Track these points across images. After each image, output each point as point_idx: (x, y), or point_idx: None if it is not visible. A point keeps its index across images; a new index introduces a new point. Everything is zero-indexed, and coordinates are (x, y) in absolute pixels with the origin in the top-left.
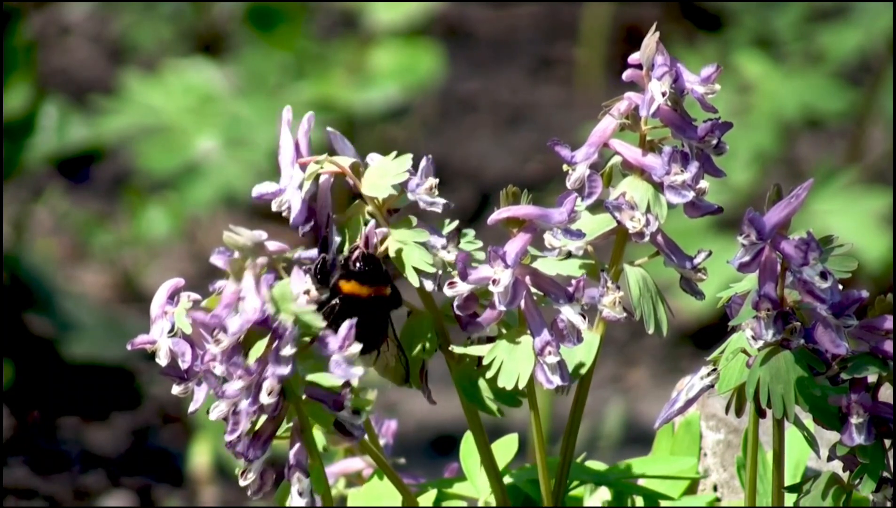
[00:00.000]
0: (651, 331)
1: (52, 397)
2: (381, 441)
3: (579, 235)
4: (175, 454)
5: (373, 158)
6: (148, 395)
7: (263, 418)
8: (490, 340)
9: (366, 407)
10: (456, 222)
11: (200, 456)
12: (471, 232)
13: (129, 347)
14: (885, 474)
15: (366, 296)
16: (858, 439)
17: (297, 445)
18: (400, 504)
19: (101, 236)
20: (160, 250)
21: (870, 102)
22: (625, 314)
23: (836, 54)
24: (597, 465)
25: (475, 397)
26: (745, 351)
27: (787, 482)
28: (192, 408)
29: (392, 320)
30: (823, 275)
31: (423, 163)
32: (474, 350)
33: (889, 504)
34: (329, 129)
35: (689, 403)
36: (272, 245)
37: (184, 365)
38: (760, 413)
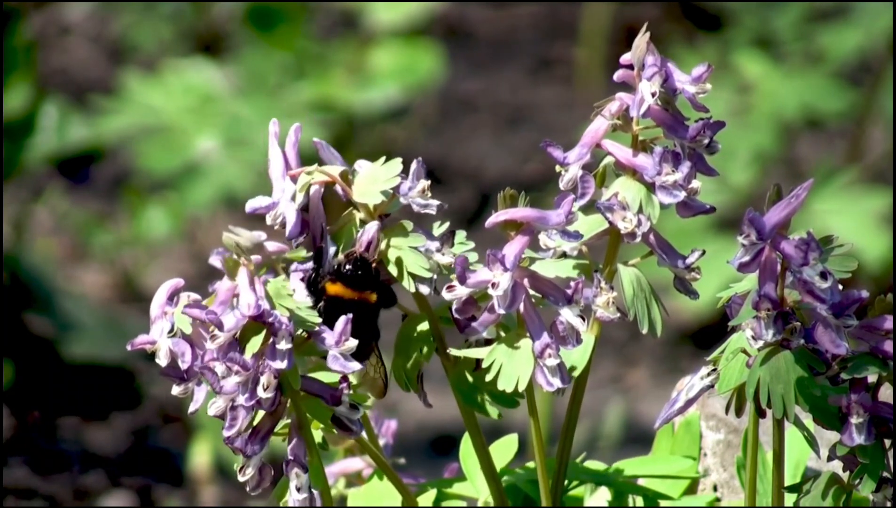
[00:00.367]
0: (645, 331)
1: (52, 397)
2: (381, 441)
3: (577, 236)
4: (175, 454)
5: (361, 165)
6: (148, 395)
7: (261, 413)
8: (488, 342)
9: (364, 402)
10: (447, 224)
11: (200, 456)
12: (463, 233)
13: (129, 347)
14: (885, 474)
15: (349, 299)
16: (858, 439)
17: (295, 440)
18: (400, 504)
19: (101, 236)
20: (160, 250)
21: (870, 102)
22: (618, 315)
23: (836, 54)
24: (597, 465)
25: (472, 400)
26: (745, 351)
27: (787, 482)
28: (192, 408)
29: (378, 328)
30: (823, 275)
31: (413, 166)
32: (473, 353)
33: (889, 504)
34: (315, 139)
35: (689, 403)
36: (271, 246)
37: (184, 365)
38: (760, 413)
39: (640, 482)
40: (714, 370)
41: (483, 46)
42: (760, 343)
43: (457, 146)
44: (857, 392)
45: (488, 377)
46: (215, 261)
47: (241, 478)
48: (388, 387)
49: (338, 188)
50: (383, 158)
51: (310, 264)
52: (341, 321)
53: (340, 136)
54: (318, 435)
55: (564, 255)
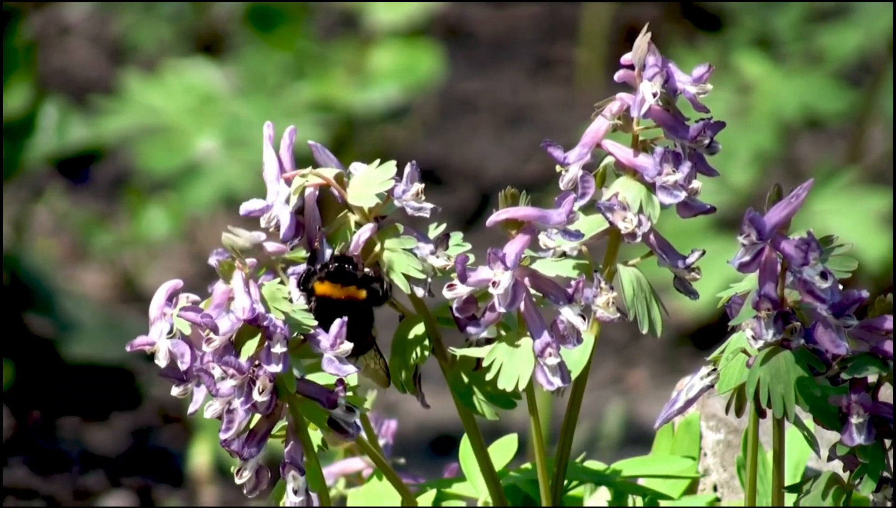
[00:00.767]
0: (645, 331)
1: (52, 397)
2: (381, 442)
3: (577, 235)
4: (175, 454)
5: (356, 168)
6: (148, 395)
7: (258, 416)
8: (489, 342)
9: (361, 405)
10: (443, 226)
11: (200, 456)
12: (459, 235)
13: (128, 348)
14: (885, 474)
15: (338, 298)
16: (858, 439)
17: (292, 443)
18: (400, 505)
19: (101, 236)
20: (160, 250)
21: (870, 102)
22: (618, 315)
23: (836, 54)
24: (597, 465)
25: (470, 400)
26: (745, 351)
27: (787, 482)
28: (191, 409)
29: (373, 320)
30: (823, 275)
31: (407, 169)
32: (473, 352)
33: (889, 504)
34: (310, 141)
35: (689, 403)
36: (271, 246)
37: (183, 366)
38: (760, 413)
39: (640, 482)
40: (714, 370)
41: (483, 46)
42: (760, 343)
43: (457, 146)
44: (857, 392)
45: (489, 376)
46: (215, 262)
47: (238, 480)
48: (391, 381)
49: (333, 190)
50: (378, 161)
51: (303, 267)
52: (336, 325)
53: (340, 136)
54: (318, 436)
55: (565, 255)
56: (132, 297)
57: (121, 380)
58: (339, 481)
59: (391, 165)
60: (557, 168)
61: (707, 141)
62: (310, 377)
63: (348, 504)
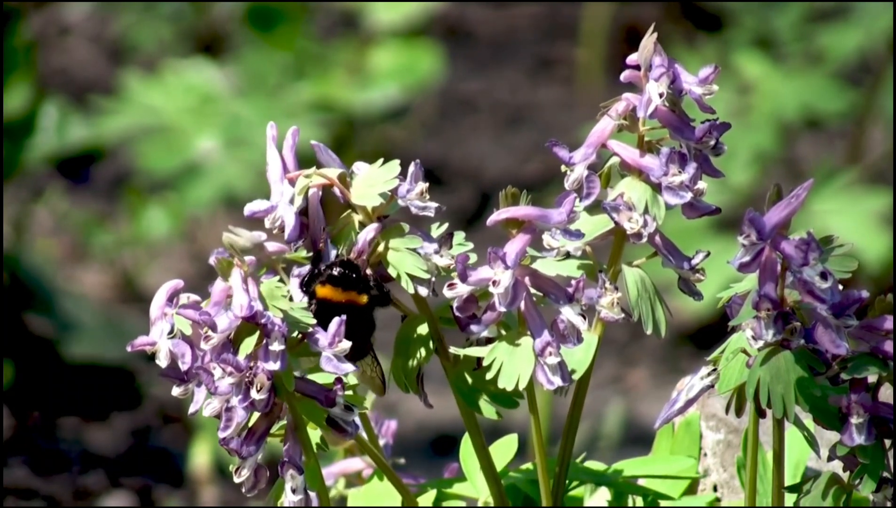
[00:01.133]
0: (649, 332)
1: (52, 397)
2: (381, 442)
3: (578, 235)
4: (175, 454)
5: (360, 167)
6: (148, 395)
7: (257, 415)
8: (489, 341)
9: (360, 404)
10: (446, 225)
11: (200, 456)
12: (462, 234)
13: (129, 348)
14: (885, 474)
15: (338, 302)
16: (858, 439)
17: (291, 442)
18: (400, 505)
19: (101, 236)
20: (160, 250)
21: (870, 102)
22: (623, 315)
23: (836, 54)
24: (597, 465)
25: (472, 400)
26: (745, 351)
27: (787, 482)
28: (192, 409)
29: (374, 325)
30: (823, 275)
31: (412, 168)
32: (473, 352)
33: (889, 504)
34: (313, 141)
35: (689, 403)
36: (271, 246)
37: (184, 366)
38: (760, 413)
39: (640, 482)
40: (714, 370)
41: (483, 46)
42: (760, 343)
43: (457, 146)
44: (857, 392)
45: (489, 376)
46: (215, 261)
47: (236, 479)
48: (388, 385)
49: (336, 190)
50: (381, 161)
51: (308, 268)
52: (335, 323)
53: (340, 136)
54: (317, 435)
55: (568, 254)
56: (132, 297)
57: (121, 380)
58: (339, 481)
59: (395, 165)
60: (562, 168)
61: (713, 142)
62: (308, 376)
63: (348, 504)
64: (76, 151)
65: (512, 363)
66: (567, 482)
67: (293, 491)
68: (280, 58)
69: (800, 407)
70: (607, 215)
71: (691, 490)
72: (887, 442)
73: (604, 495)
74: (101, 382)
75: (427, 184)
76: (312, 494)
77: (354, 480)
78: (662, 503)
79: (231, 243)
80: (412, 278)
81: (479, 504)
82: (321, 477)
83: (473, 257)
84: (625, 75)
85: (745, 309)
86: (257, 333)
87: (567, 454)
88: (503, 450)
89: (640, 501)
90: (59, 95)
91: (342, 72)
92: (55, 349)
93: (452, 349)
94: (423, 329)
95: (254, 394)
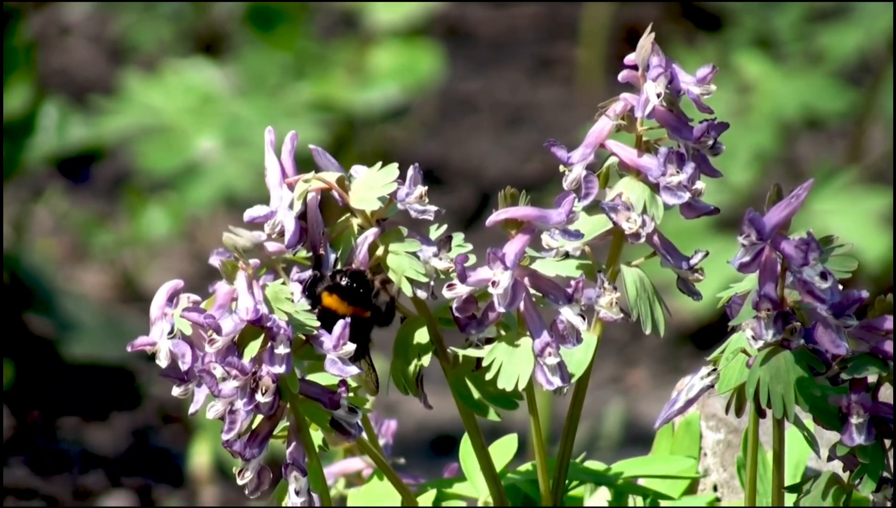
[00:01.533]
0: (648, 331)
1: (52, 397)
2: (381, 442)
3: (577, 235)
4: (175, 454)
5: (358, 171)
6: (148, 395)
7: (260, 417)
8: (489, 341)
9: (363, 406)
10: (446, 226)
11: (200, 456)
12: (461, 235)
13: (129, 348)
14: (885, 474)
15: (343, 313)
16: (858, 439)
17: (294, 444)
18: (400, 505)
19: (101, 236)
20: (160, 250)
21: (870, 102)
22: (622, 315)
23: (836, 54)
24: (597, 465)
25: (471, 401)
26: (745, 351)
27: (787, 482)
28: (192, 409)
29: (371, 338)
30: (823, 275)
31: (410, 172)
32: (473, 353)
33: (889, 504)
34: (311, 145)
35: (689, 403)
36: (271, 246)
37: (184, 366)
38: (760, 413)
39: (640, 482)
40: (714, 370)
41: (483, 46)
42: (760, 343)
43: (457, 146)
44: (857, 392)
45: (488, 376)
46: (215, 261)
47: (239, 481)
48: (388, 386)
49: (335, 194)
50: (380, 164)
51: (309, 272)
52: (339, 326)
53: (340, 136)
54: (318, 437)
55: (567, 255)
56: (132, 297)
57: (121, 380)
58: (339, 481)
59: (393, 168)
60: (560, 168)
61: (711, 142)
62: (309, 377)
63: (348, 504)
64: (76, 151)
65: (511, 363)
66: (567, 482)
67: (297, 493)
68: (280, 58)
69: (800, 407)
70: (605, 216)
71: (691, 490)
72: (887, 442)
73: (604, 495)
74: (101, 382)
75: (426, 187)
76: (315, 495)
77: (354, 480)
78: (662, 503)
79: (232, 243)
80: (411, 281)
81: (479, 504)
82: (324, 479)
83: (473, 258)
84: (623, 75)
85: (745, 309)
86: (262, 336)
87: (566, 454)
88: (503, 450)
89: (640, 501)
90: (59, 95)
91: (342, 72)
92: (55, 349)
93: (451, 349)
94: (422, 332)
95: (258, 397)
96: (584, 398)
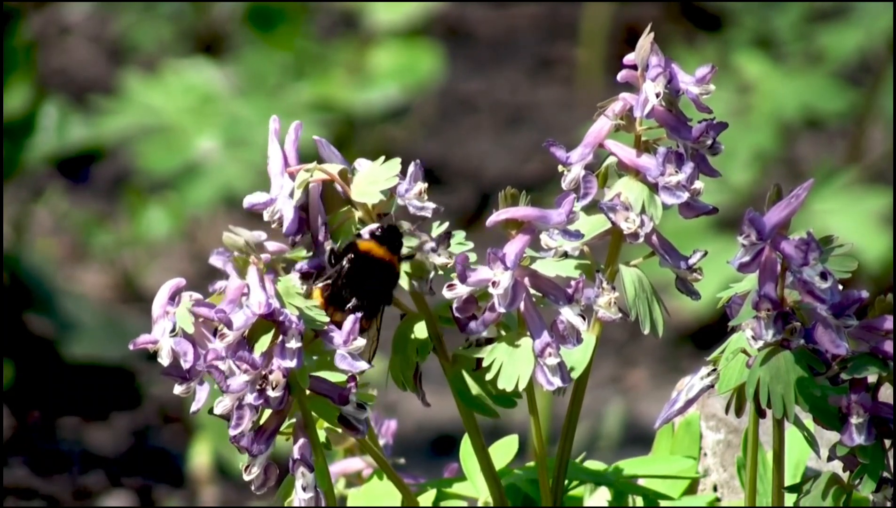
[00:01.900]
0: (646, 331)
1: (52, 397)
2: (381, 441)
3: (577, 235)
4: (175, 454)
5: (361, 164)
6: (148, 395)
7: (268, 412)
8: (489, 341)
9: (371, 402)
10: (446, 225)
11: (200, 456)
12: (461, 233)
13: (131, 347)
14: (885, 474)
15: (378, 257)
16: (858, 439)
17: (302, 440)
18: (400, 504)
19: (101, 236)
20: (160, 250)
21: (870, 102)
22: (620, 315)
23: (836, 54)
24: (597, 465)
25: (471, 399)
26: (745, 351)
27: (787, 482)
28: (194, 408)
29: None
30: (823, 275)
31: (411, 168)
32: (473, 353)
33: (889, 504)
34: (315, 137)
35: (689, 403)
36: (271, 245)
37: (186, 365)
38: (760, 413)
39: (640, 482)
40: (714, 370)
41: (483, 46)
42: (760, 343)
43: (457, 146)
44: (857, 392)
45: (488, 377)
46: (215, 261)
47: (246, 477)
48: (387, 385)
49: (337, 186)
50: (382, 158)
51: (312, 262)
52: (349, 321)
53: (340, 136)
54: (322, 434)
55: (566, 255)
56: (132, 297)
57: (121, 380)
58: (340, 480)
59: (395, 163)
60: (559, 168)
61: (710, 142)
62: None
63: (348, 504)
64: (76, 151)
65: (511, 363)
66: (567, 482)
67: (304, 489)
68: (280, 58)
69: (800, 407)
70: (604, 215)
71: (691, 490)
72: (887, 442)
73: (604, 495)
74: (101, 382)
75: (426, 184)
76: (321, 492)
77: (354, 480)
78: (662, 503)
79: (232, 243)
80: (410, 275)
81: (479, 504)
82: (329, 476)
83: (473, 258)
84: (622, 75)
85: (745, 309)
86: (272, 331)
87: (566, 453)
88: (503, 450)
89: (640, 501)
90: (59, 95)
91: (342, 72)
92: (55, 349)
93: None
94: (421, 328)
95: (269, 392)
96: (584, 398)
